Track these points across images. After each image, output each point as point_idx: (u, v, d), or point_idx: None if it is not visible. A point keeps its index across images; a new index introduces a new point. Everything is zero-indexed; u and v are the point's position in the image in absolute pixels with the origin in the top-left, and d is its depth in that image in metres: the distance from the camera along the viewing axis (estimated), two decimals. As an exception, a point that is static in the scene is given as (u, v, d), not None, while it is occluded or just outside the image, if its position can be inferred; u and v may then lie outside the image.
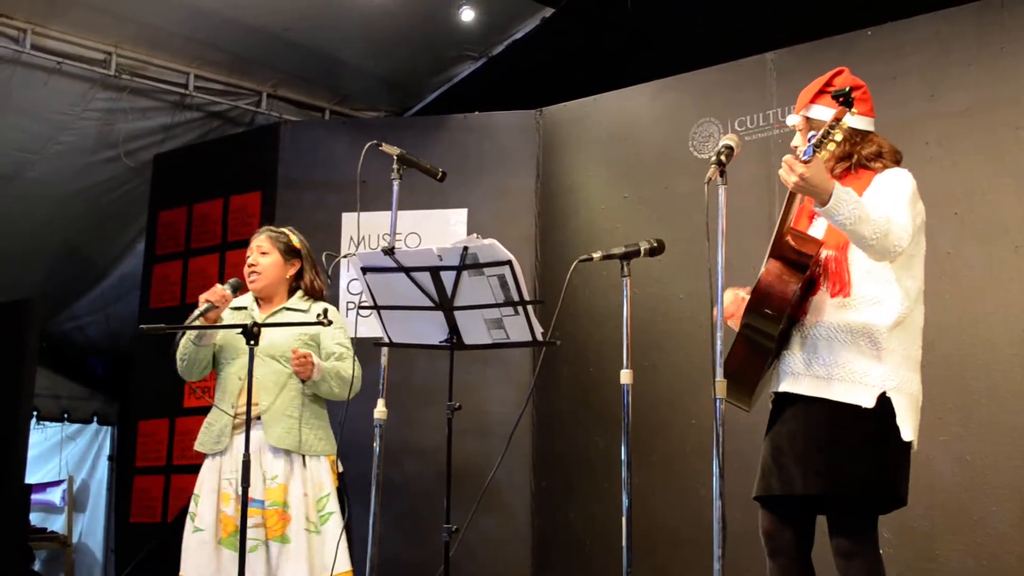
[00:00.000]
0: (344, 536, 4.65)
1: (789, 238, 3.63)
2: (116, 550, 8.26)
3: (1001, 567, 4.97)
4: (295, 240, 4.96)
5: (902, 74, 5.54)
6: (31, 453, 9.05)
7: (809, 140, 3.45)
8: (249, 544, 4.49)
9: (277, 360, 4.72)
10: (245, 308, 4.91)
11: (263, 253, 4.89)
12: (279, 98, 8.20)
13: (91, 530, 11.00)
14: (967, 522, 5.08)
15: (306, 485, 4.64)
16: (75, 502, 11.19)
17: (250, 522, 4.49)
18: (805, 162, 3.38)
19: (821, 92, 3.79)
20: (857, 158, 3.75)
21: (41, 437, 11.06)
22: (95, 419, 11.19)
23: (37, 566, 9.98)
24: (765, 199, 5.88)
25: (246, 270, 4.91)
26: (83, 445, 11.50)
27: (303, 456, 4.66)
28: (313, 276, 4.97)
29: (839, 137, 3.44)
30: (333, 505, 4.67)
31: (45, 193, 8.22)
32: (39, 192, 8.19)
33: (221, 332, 4.78)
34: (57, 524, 11.05)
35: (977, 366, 5.17)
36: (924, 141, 5.38)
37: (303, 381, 4.67)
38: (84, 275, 9.39)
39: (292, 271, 4.93)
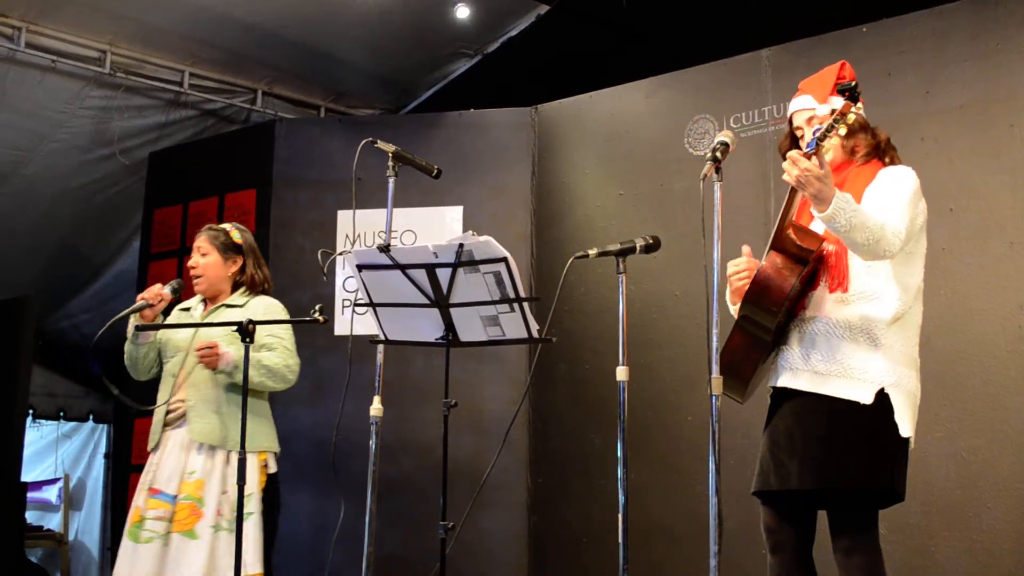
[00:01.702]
0: (259, 538, 4.61)
1: (791, 232, 3.63)
2: (112, 548, 8.24)
3: (996, 563, 4.98)
4: (235, 236, 4.98)
5: (897, 70, 5.54)
6: (27, 451, 9.04)
7: (813, 134, 3.45)
8: (145, 535, 4.58)
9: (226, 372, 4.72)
10: (190, 309, 5.00)
11: (203, 254, 4.94)
12: (274, 96, 8.19)
13: (87, 528, 10.99)
14: (962, 518, 5.09)
15: (226, 482, 4.63)
16: (71, 500, 11.18)
17: (152, 514, 4.60)
18: (807, 155, 3.39)
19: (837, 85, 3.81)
20: (864, 151, 3.77)
21: (37, 435, 11.06)
22: (91, 417, 11.19)
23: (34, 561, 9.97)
24: (761, 196, 5.87)
25: (189, 272, 4.96)
26: (79, 443, 11.49)
27: (228, 452, 4.65)
28: (255, 270, 4.99)
29: (843, 131, 3.44)
30: (254, 505, 4.63)
31: (40, 191, 8.21)
32: (34, 190, 8.17)
33: (161, 332, 4.85)
34: (53, 522, 11.04)
35: (972, 363, 5.17)
36: (919, 137, 5.38)
37: (214, 371, 4.65)
38: (79, 273, 9.38)
39: (234, 268, 4.96)
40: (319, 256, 4.62)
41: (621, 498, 3.84)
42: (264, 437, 4.79)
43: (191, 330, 4.80)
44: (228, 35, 7.43)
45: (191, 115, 8.12)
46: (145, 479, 4.74)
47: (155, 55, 7.57)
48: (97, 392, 11.00)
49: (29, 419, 9.65)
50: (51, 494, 11.30)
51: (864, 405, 3.57)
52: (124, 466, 7.77)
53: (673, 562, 5.89)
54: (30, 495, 9.72)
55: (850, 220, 3.42)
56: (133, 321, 4.81)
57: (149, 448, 4.80)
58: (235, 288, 4.97)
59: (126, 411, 7.91)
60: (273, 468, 4.80)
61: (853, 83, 3.47)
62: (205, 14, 7.14)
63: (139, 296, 4.78)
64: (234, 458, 4.56)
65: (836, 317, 3.65)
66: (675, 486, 5.95)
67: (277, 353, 4.76)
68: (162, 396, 4.81)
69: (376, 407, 4.39)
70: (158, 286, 4.79)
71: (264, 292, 4.99)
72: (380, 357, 4.48)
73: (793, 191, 3.62)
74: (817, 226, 3.74)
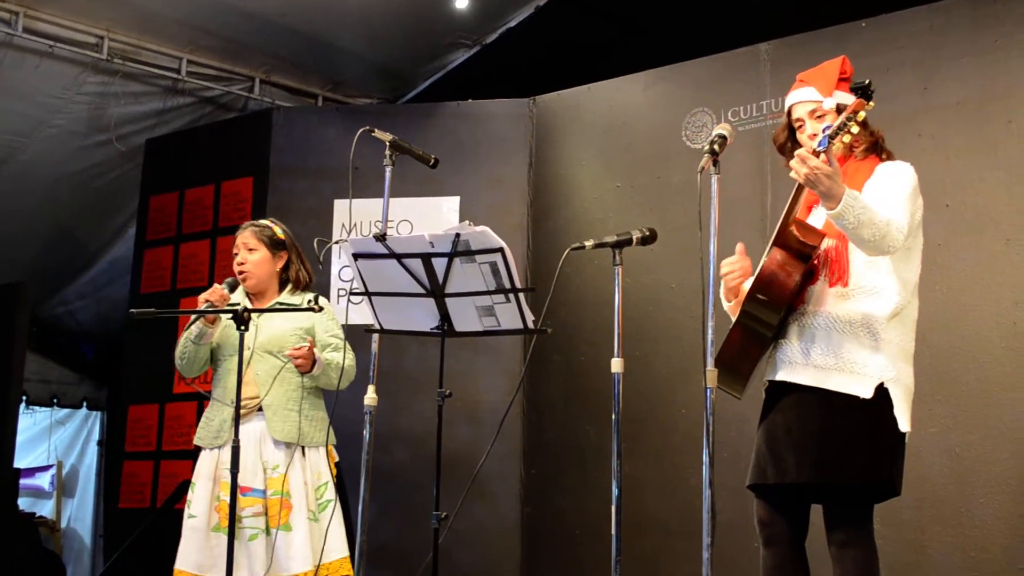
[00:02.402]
0: (342, 523, 4.70)
1: (794, 228, 3.63)
2: (105, 535, 8.25)
3: (988, 559, 4.99)
4: (279, 231, 4.96)
5: (895, 66, 5.54)
6: (20, 438, 9.03)
7: (823, 131, 3.43)
8: (249, 533, 4.61)
9: (274, 355, 4.77)
10: (237, 305, 4.90)
11: (250, 250, 4.90)
12: (272, 84, 8.17)
13: (80, 515, 10.98)
14: (955, 514, 5.10)
15: (306, 474, 4.70)
16: (64, 487, 11.17)
17: (250, 511, 4.62)
18: (817, 152, 3.37)
19: (841, 80, 3.80)
20: (862, 146, 3.77)
21: (30, 422, 11.04)
22: (84, 404, 11.18)
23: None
24: (758, 190, 5.88)
25: (236, 268, 4.92)
26: (72, 430, 11.48)
27: (303, 447, 4.71)
28: (299, 267, 4.98)
29: (856, 129, 3.40)
30: (331, 493, 4.71)
31: (36, 176, 8.19)
32: (30, 175, 8.15)
33: (219, 330, 4.83)
34: (46, 509, 11.03)
35: (967, 358, 5.18)
36: (917, 134, 5.38)
37: (303, 375, 4.70)
38: (75, 259, 9.36)
39: (280, 264, 4.95)
40: (315, 244, 4.61)
41: (615, 490, 3.84)
42: (325, 430, 4.84)
43: (251, 329, 4.65)
44: (226, 22, 7.41)
45: (188, 102, 8.10)
46: (210, 471, 4.73)
47: (153, 42, 7.55)
48: (91, 379, 10.99)
49: (22, 405, 9.64)
50: (44, 481, 11.28)
51: (864, 400, 3.57)
52: (117, 453, 7.77)
53: (666, 554, 5.89)
54: (23, 482, 9.70)
55: (858, 217, 3.42)
56: (201, 324, 4.75)
57: (207, 445, 4.78)
58: (282, 285, 4.95)
59: (120, 398, 7.92)
60: (337, 457, 4.88)
61: (867, 81, 3.43)
62: (204, 1, 7.13)
63: (201, 297, 4.69)
64: (308, 452, 4.71)
65: (836, 312, 3.64)
66: (669, 479, 5.96)
67: (341, 353, 4.80)
68: (229, 395, 4.70)
69: (371, 396, 4.39)
70: (218, 287, 4.73)
71: (307, 288, 4.98)
72: (375, 346, 4.49)
73: (799, 188, 3.61)
74: (815, 220, 3.74)
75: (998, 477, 5.02)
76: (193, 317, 4.75)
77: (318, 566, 4.53)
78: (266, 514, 4.63)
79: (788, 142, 3.92)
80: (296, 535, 4.59)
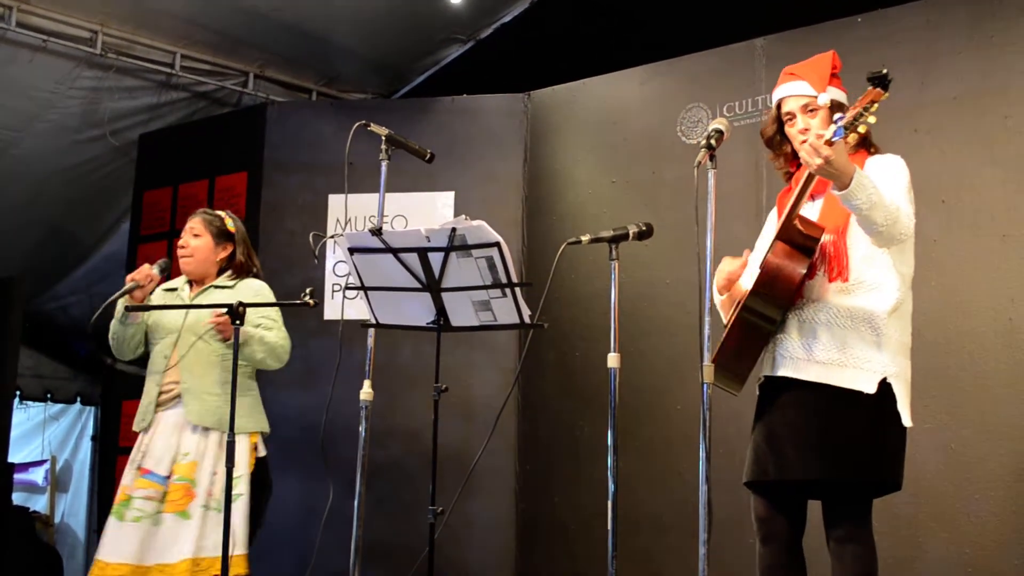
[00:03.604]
0: (245, 519, 4.64)
1: (797, 222, 3.61)
2: (99, 530, 8.23)
3: (983, 555, 4.99)
4: (229, 224, 5.02)
5: (892, 62, 5.50)
6: (13, 433, 9.03)
7: (835, 122, 3.36)
8: (132, 514, 4.63)
9: (202, 338, 4.79)
10: (176, 289, 5.02)
11: (195, 235, 4.97)
12: (266, 79, 8.16)
13: (73, 510, 10.98)
14: (950, 510, 5.10)
15: (217, 463, 4.67)
16: (58, 482, 11.16)
17: (140, 494, 4.66)
18: (830, 143, 3.35)
19: (832, 76, 3.78)
20: (854, 140, 3.75)
21: (24, 417, 11.03)
22: (78, 399, 11.17)
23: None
24: (752, 185, 5.87)
25: (178, 251, 4.98)
26: (66, 425, 11.47)
27: (222, 433, 4.65)
28: (245, 257, 5.02)
29: (872, 120, 3.33)
30: (243, 487, 4.67)
31: (29, 171, 8.17)
32: (23, 170, 8.13)
33: (149, 312, 4.89)
34: (39, 504, 11.02)
35: (963, 354, 5.17)
36: (913, 129, 5.37)
37: (225, 341, 4.67)
38: (68, 254, 9.35)
39: (223, 254, 5.00)
40: (310, 239, 4.61)
41: (611, 486, 3.84)
42: (255, 419, 4.84)
43: (181, 311, 4.82)
44: (221, 17, 7.40)
45: (182, 97, 8.08)
46: (134, 458, 4.76)
47: (147, 36, 7.53)
48: (84, 374, 10.98)
49: (16, 400, 9.63)
50: (38, 476, 11.27)
51: (868, 395, 3.55)
52: (111, 448, 7.75)
53: (661, 551, 5.89)
54: (16, 476, 9.68)
55: (870, 198, 3.40)
56: (122, 302, 4.81)
57: (137, 428, 4.83)
58: (220, 272, 5.00)
59: (114, 393, 7.90)
60: (263, 451, 4.84)
61: (885, 71, 3.34)
62: (198, -5, 7.13)
63: (128, 277, 4.81)
64: (224, 440, 4.55)
65: (838, 306, 3.63)
66: (664, 475, 5.95)
67: (274, 333, 4.82)
68: (155, 377, 4.83)
69: (366, 391, 4.39)
70: (147, 266, 4.83)
71: (248, 275, 5.01)
72: (371, 341, 4.48)
73: (807, 182, 3.58)
74: (808, 214, 3.73)
75: (994, 473, 5.02)
76: (117, 294, 4.76)
77: (198, 559, 4.47)
78: (162, 500, 4.64)
79: (776, 135, 3.90)
80: (187, 524, 4.58)
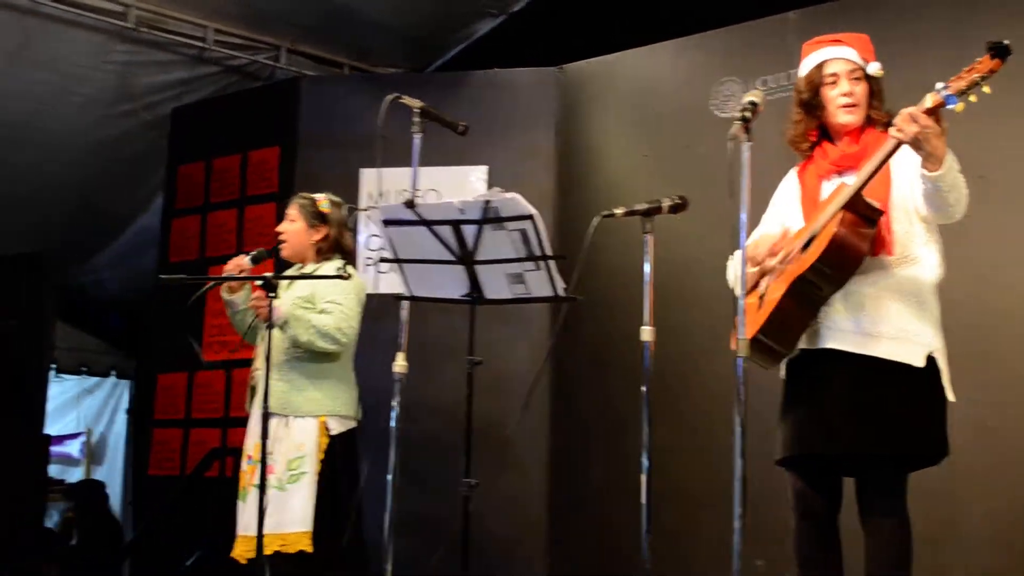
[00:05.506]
0: (311, 498, 4.73)
1: (862, 193, 3.56)
2: (134, 502, 8.31)
3: (1020, 533, 4.96)
4: (323, 206, 5.09)
5: (927, 35, 5.48)
6: (49, 406, 9.10)
7: (941, 89, 3.29)
8: (242, 495, 4.90)
9: (277, 326, 4.81)
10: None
11: (290, 220, 5.09)
12: (298, 53, 8.16)
13: (109, 483, 11.06)
14: (985, 487, 5.07)
15: (282, 444, 4.76)
16: (93, 455, 11.27)
17: (244, 477, 4.92)
18: (929, 111, 3.28)
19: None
20: (885, 119, 3.72)
21: (59, 390, 11.13)
22: (113, 373, 11.25)
23: (55, 518, 10.05)
24: (785, 159, 5.80)
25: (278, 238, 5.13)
26: (101, 398, 11.58)
27: (288, 417, 4.79)
28: (335, 239, 5.08)
29: (987, 90, 3.27)
30: (308, 466, 4.75)
31: (63, 145, 8.21)
32: (57, 144, 8.17)
33: (242, 298, 5.00)
34: (75, 476, 11.14)
35: (1000, 332, 5.14)
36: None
37: (265, 322, 4.69)
38: (102, 229, 9.39)
39: (318, 236, 5.06)
40: (344, 211, 4.62)
41: (645, 461, 3.83)
42: (329, 401, 4.88)
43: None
44: (253, -9, 7.41)
45: (214, 71, 8.09)
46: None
47: (179, 10, 7.54)
48: (119, 347, 11.05)
49: (51, 373, 9.71)
50: (73, 448, 11.40)
51: (916, 368, 3.54)
52: (146, 421, 7.81)
53: (693, 524, 5.88)
54: (52, 449, 9.78)
55: (954, 180, 3.41)
56: (225, 294, 4.98)
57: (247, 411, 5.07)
58: (318, 254, 5.08)
59: (149, 367, 7.95)
60: (337, 430, 4.87)
61: (1006, 42, 3.28)
62: (230, -30, 7.13)
63: (223, 268, 4.92)
64: (293, 422, 4.79)
65: (885, 279, 3.60)
66: (697, 449, 5.93)
67: (332, 316, 4.82)
68: (255, 361, 4.98)
69: (400, 363, 4.38)
70: (240, 257, 4.92)
71: (339, 256, 5.08)
72: (404, 314, 4.46)
73: (891, 152, 3.49)
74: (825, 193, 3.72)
75: (1029, 451, 4.99)
76: (203, 293, 5.01)
77: (262, 535, 4.51)
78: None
79: (815, 98, 3.85)
80: (248, 503, 4.77)
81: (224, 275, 4.88)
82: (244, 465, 4.94)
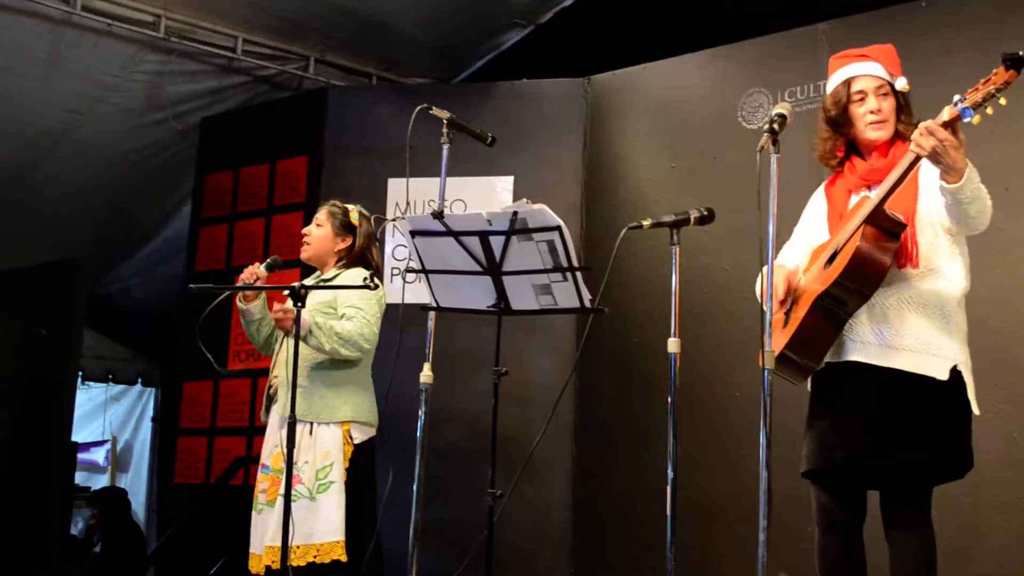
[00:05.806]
0: (341, 506, 4.70)
1: (885, 207, 3.55)
2: (159, 511, 8.35)
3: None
4: (354, 216, 5.09)
5: (957, 48, 5.46)
6: (75, 413, 9.13)
7: (958, 103, 3.27)
8: (257, 507, 4.83)
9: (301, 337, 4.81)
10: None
11: (318, 225, 5.08)
12: (326, 63, 8.19)
13: (134, 491, 11.13)
14: (1012, 499, 5.05)
15: (308, 453, 4.73)
16: (118, 462, 11.31)
17: (259, 487, 4.86)
18: (946, 124, 3.27)
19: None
20: (904, 128, 3.72)
21: (85, 397, 11.18)
22: (139, 381, 11.30)
23: (80, 524, 10.10)
24: (813, 172, 5.80)
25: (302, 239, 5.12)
26: (127, 406, 11.63)
27: (311, 424, 4.75)
28: (361, 250, 5.07)
29: (1003, 102, 3.26)
30: (336, 475, 4.72)
31: (93, 154, 8.27)
32: (87, 153, 8.24)
33: (258, 307, 5.00)
34: (100, 484, 11.18)
35: (1026, 344, 5.12)
36: (978, 115, 5.30)
37: (286, 332, 4.71)
38: (131, 236, 9.46)
39: (342, 245, 5.06)
40: (371, 221, 4.62)
41: (670, 472, 3.82)
42: (351, 408, 4.86)
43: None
44: (282, 2, 7.45)
45: (243, 81, 8.14)
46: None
47: (209, 20, 7.59)
48: (145, 355, 11.10)
49: (78, 381, 9.75)
50: (99, 456, 11.44)
51: (940, 381, 3.53)
52: (171, 429, 7.84)
53: (717, 536, 5.87)
54: (78, 456, 9.82)
55: (974, 192, 3.40)
56: (240, 303, 4.97)
57: (262, 421, 5.04)
58: (338, 263, 5.08)
59: (175, 375, 7.98)
60: (359, 439, 4.86)
61: (1020, 53, 3.26)
62: (259, -20, 7.17)
63: (237, 278, 4.90)
64: (316, 430, 4.75)
65: (909, 293, 3.59)
66: (721, 461, 5.92)
67: (354, 322, 4.80)
68: (272, 370, 4.98)
69: (426, 374, 4.39)
70: (255, 265, 4.88)
71: (362, 266, 5.04)
72: (431, 324, 4.48)
73: (911, 166, 3.48)
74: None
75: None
76: (218, 302, 4.86)
77: (287, 546, 4.43)
78: (267, 490, 4.80)
79: (844, 114, 3.85)
80: (275, 512, 4.66)
81: (240, 284, 4.86)
82: (259, 474, 4.90)
